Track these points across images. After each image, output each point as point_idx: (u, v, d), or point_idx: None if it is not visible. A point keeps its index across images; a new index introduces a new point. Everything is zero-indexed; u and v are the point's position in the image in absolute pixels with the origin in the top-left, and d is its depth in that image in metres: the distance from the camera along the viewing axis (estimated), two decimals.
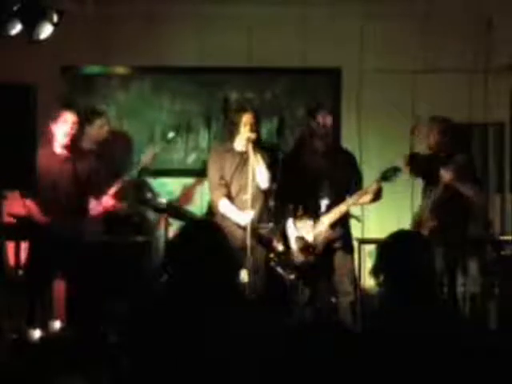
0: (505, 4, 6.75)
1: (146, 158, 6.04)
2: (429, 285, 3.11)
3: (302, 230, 5.49)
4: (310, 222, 5.48)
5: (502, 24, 6.90)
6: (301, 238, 5.46)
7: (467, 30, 6.93)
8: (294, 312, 5.48)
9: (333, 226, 5.45)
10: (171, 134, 6.20)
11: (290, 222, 5.51)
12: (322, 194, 5.50)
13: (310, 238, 5.45)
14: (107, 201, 5.67)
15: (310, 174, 5.52)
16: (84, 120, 6.04)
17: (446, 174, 5.54)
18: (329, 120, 5.57)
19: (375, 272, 3.13)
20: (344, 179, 5.52)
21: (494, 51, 6.93)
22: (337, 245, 5.50)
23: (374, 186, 5.41)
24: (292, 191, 5.53)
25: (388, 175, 5.42)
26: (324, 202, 5.49)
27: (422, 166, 5.78)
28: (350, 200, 5.43)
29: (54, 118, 5.52)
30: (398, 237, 3.22)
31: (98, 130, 6.14)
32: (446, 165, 5.58)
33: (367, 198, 5.43)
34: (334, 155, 5.57)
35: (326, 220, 5.44)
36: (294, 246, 5.49)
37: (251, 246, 5.29)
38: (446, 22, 6.90)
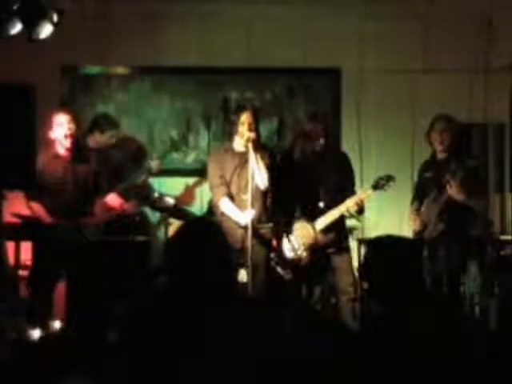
0: (505, 4, 6.76)
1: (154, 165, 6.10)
2: (416, 286, 3.10)
3: (298, 232, 5.49)
4: (306, 224, 5.47)
5: (502, 24, 6.91)
6: (302, 238, 5.46)
7: (467, 29, 6.94)
8: (293, 312, 5.47)
9: (325, 230, 5.44)
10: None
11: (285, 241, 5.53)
12: (317, 197, 5.49)
13: (306, 240, 5.46)
14: (113, 199, 5.66)
15: (304, 175, 5.51)
16: (96, 126, 6.07)
17: (450, 191, 5.54)
18: (322, 124, 5.56)
19: (361, 277, 3.14)
20: (338, 181, 5.51)
21: (493, 51, 6.93)
22: (330, 250, 5.48)
23: (366, 193, 5.41)
24: (288, 193, 5.53)
25: (381, 183, 5.41)
26: (320, 205, 5.47)
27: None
28: (342, 206, 5.40)
29: (49, 124, 5.48)
30: (377, 241, 3.22)
31: (107, 139, 6.15)
32: (453, 173, 5.57)
33: (355, 206, 5.38)
34: (329, 157, 5.55)
35: (319, 225, 5.44)
36: (286, 245, 5.50)
37: (251, 245, 5.29)
38: (446, 21, 6.91)
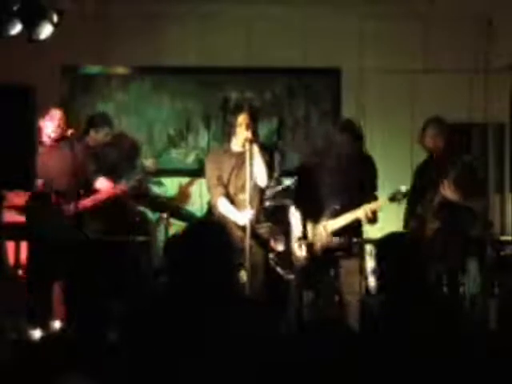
0: (505, 4, 6.76)
1: (149, 164, 6.09)
2: (421, 286, 3.11)
3: (310, 230, 5.46)
4: (319, 224, 5.44)
5: (502, 24, 6.91)
6: (303, 237, 5.44)
7: (467, 30, 6.94)
8: (293, 312, 5.47)
9: (336, 233, 5.39)
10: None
11: (292, 210, 5.47)
12: (334, 199, 5.42)
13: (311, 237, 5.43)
14: (102, 183, 5.76)
15: (322, 177, 5.46)
16: (91, 125, 6.09)
17: (443, 191, 5.53)
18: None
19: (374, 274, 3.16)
20: (359, 184, 5.41)
21: (493, 51, 6.93)
22: (339, 253, 5.43)
23: (380, 203, 5.35)
24: (308, 194, 5.49)
25: (398, 198, 5.34)
26: (336, 206, 5.42)
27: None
28: (354, 213, 5.33)
29: (43, 114, 5.57)
30: (387, 240, 3.22)
31: (102, 136, 6.17)
32: (446, 173, 5.56)
33: (366, 217, 5.33)
34: (355, 160, 5.45)
35: (330, 226, 5.39)
36: (294, 239, 5.46)
37: (250, 245, 5.29)
38: (446, 22, 6.91)
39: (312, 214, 5.44)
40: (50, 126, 5.64)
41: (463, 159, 5.67)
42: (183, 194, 6.89)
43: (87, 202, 5.69)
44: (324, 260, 5.43)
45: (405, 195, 5.34)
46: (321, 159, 5.53)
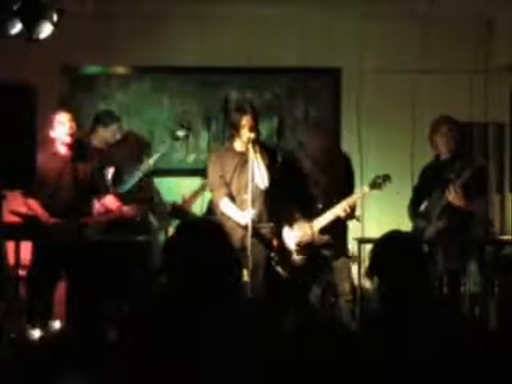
0: (505, 4, 6.76)
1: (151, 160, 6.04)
2: (419, 286, 3.11)
3: (297, 232, 5.50)
4: (304, 224, 5.49)
5: (502, 24, 6.91)
6: (296, 237, 5.49)
7: (467, 30, 6.95)
8: (293, 312, 5.48)
9: (322, 231, 5.46)
10: (181, 133, 6.16)
11: (286, 229, 5.54)
12: (315, 197, 5.50)
13: (303, 238, 5.48)
14: (111, 200, 5.69)
15: (304, 176, 5.53)
16: (99, 122, 6.06)
17: (449, 196, 5.54)
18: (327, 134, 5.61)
19: (368, 273, 3.15)
20: (338, 183, 5.52)
21: (494, 51, 6.94)
22: (327, 252, 5.50)
23: (361, 192, 5.44)
24: (288, 193, 5.55)
25: (378, 182, 5.41)
26: (319, 206, 5.50)
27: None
28: (340, 206, 5.40)
29: (50, 123, 5.52)
30: (387, 238, 3.23)
31: (110, 134, 6.14)
32: (454, 176, 5.57)
33: (348, 208, 5.41)
34: (330, 158, 5.56)
35: (316, 224, 5.46)
36: (290, 246, 5.51)
37: (251, 245, 5.29)
38: (446, 22, 6.91)
39: (298, 214, 5.51)
40: (61, 131, 5.51)
41: (478, 162, 5.66)
42: (191, 203, 6.85)
43: (90, 219, 5.62)
44: (315, 260, 5.49)
45: (384, 179, 5.39)
46: (299, 158, 5.62)
